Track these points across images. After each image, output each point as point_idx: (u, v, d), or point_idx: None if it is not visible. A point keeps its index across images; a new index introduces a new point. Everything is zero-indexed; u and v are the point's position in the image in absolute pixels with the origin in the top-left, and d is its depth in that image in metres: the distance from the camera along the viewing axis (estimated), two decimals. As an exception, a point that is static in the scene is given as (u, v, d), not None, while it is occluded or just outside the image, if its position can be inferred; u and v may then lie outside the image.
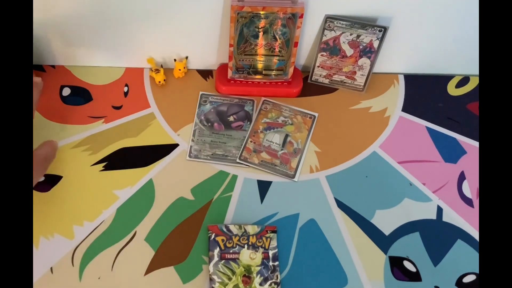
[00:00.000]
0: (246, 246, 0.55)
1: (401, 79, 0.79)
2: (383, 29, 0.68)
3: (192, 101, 0.74)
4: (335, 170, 0.68)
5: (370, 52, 0.71)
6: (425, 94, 0.77)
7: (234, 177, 0.66)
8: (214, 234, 0.56)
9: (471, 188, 0.67)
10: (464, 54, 0.76)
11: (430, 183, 0.67)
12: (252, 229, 0.57)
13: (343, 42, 0.71)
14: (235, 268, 0.53)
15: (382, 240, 0.61)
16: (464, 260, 0.60)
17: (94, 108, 0.72)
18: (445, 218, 0.64)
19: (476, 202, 0.65)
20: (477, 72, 0.80)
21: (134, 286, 0.56)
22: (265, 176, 0.66)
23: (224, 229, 0.56)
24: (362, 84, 0.76)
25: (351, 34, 0.69)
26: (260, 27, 0.67)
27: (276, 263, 0.54)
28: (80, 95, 0.73)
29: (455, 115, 0.75)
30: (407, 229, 0.62)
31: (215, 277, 0.52)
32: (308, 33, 0.72)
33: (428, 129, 0.73)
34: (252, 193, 0.64)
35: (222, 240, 0.55)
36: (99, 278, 0.56)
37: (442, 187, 0.67)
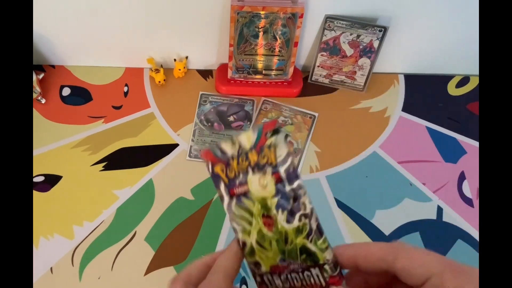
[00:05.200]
0: (250, 169, 0.35)
1: (401, 79, 0.79)
2: (383, 29, 0.68)
3: (192, 101, 0.74)
4: (335, 170, 0.67)
5: (370, 52, 0.71)
6: (425, 94, 0.77)
7: (234, 177, 0.66)
8: (210, 163, 0.36)
9: (471, 188, 0.67)
10: (464, 54, 0.76)
11: (430, 183, 0.67)
12: (246, 140, 0.36)
13: (343, 42, 0.71)
14: (250, 206, 0.36)
15: (382, 240, 0.61)
16: (464, 260, 0.59)
17: (94, 108, 0.72)
18: (445, 218, 0.64)
19: (476, 202, 0.65)
20: (477, 72, 0.80)
21: (134, 286, 0.56)
22: (265, 176, 0.66)
23: (218, 153, 0.36)
24: (362, 84, 0.76)
25: (351, 34, 0.69)
26: (260, 27, 0.67)
27: (296, 183, 0.35)
28: (80, 95, 0.73)
29: (455, 115, 0.75)
30: (407, 229, 0.62)
31: (234, 224, 0.36)
32: (308, 33, 0.72)
33: (428, 129, 0.73)
34: (252, 193, 0.64)
35: (222, 170, 0.36)
36: (99, 278, 0.56)
37: (442, 187, 0.67)
